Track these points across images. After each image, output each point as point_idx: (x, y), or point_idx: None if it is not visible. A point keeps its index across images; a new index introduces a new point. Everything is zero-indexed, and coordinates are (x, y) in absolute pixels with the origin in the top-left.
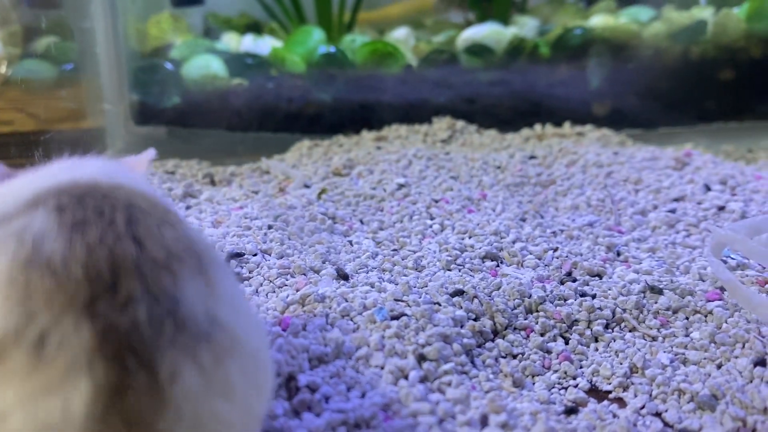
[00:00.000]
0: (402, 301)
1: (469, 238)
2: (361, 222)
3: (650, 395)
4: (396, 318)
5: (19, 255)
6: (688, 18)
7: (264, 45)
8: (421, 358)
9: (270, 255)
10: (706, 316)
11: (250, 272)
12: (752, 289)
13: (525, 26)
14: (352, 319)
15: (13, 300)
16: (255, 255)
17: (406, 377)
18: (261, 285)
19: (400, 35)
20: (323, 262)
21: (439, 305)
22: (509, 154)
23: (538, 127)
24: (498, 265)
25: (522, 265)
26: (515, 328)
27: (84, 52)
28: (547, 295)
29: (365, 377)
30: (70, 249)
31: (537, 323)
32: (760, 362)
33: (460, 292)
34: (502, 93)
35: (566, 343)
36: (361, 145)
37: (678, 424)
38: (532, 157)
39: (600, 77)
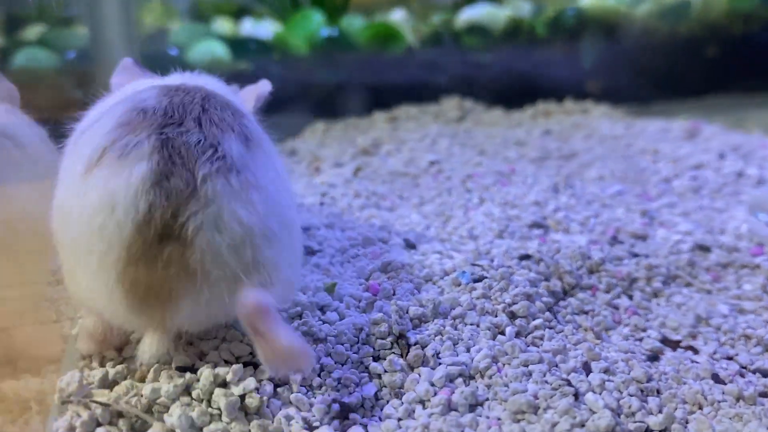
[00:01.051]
0: (477, 265)
1: (512, 209)
2: (401, 198)
3: (719, 342)
4: (478, 281)
5: (130, 106)
6: None
7: (264, 29)
8: (512, 316)
9: (333, 229)
10: (753, 270)
11: (320, 244)
12: None
13: (520, 7)
14: (435, 284)
15: (117, 126)
16: (319, 229)
17: (502, 333)
18: (333, 256)
19: (398, 17)
20: (389, 233)
21: (512, 268)
22: (525, 130)
23: (541, 104)
24: (546, 233)
25: (568, 231)
26: (582, 288)
27: (96, 39)
28: (606, 256)
29: (465, 334)
30: (157, 103)
31: (601, 282)
32: None
33: (527, 257)
34: (501, 72)
35: (630, 299)
36: (375, 125)
37: (751, 365)
38: (547, 132)
39: (593, 56)
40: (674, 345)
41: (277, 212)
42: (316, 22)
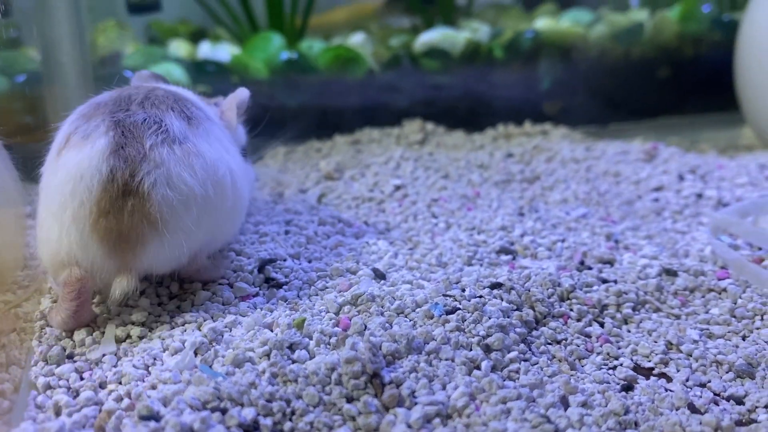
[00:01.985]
0: (449, 295)
1: (479, 234)
2: (366, 224)
3: (691, 369)
4: (451, 312)
5: (89, 102)
6: (626, 20)
7: (222, 52)
8: (487, 349)
9: (299, 259)
10: (720, 293)
11: (286, 276)
12: (755, 266)
13: (478, 30)
14: (407, 316)
15: (78, 118)
16: (285, 260)
17: (478, 368)
18: (301, 289)
19: (357, 40)
20: (357, 263)
21: (484, 298)
22: (488, 153)
23: (501, 127)
24: (514, 258)
25: (536, 257)
26: (554, 316)
27: (48, 61)
28: (576, 283)
29: (441, 370)
30: (108, 97)
31: (572, 310)
32: None
33: (498, 285)
34: (461, 95)
35: (601, 326)
36: (338, 148)
37: (724, 392)
38: (509, 155)
39: (550, 78)
40: (647, 373)
41: (213, 178)
42: (275, 45)
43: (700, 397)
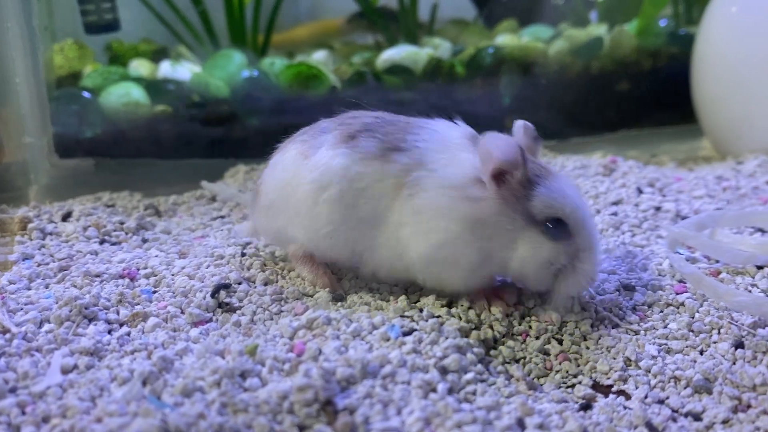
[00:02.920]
0: (406, 316)
1: None
2: None
3: (649, 385)
4: (408, 334)
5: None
6: (586, 35)
7: (183, 70)
8: (443, 371)
9: (255, 283)
10: (678, 308)
11: (240, 301)
12: (712, 280)
13: (440, 47)
14: (363, 339)
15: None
16: (240, 284)
17: (434, 390)
18: (255, 313)
19: (319, 57)
20: (312, 286)
21: (442, 317)
22: None
23: None
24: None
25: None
26: (513, 335)
27: (1, 81)
28: (535, 300)
29: (396, 394)
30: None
31: (531, 328)
32: (738, 345)
33: (453, 304)
34: (422, 111)
35: (560, 343)
36: None
37: (682, 408)
38: None
39: (511, 93)
40: (606, 390)
41: None
42: (236, 63)
43: (659, 414)
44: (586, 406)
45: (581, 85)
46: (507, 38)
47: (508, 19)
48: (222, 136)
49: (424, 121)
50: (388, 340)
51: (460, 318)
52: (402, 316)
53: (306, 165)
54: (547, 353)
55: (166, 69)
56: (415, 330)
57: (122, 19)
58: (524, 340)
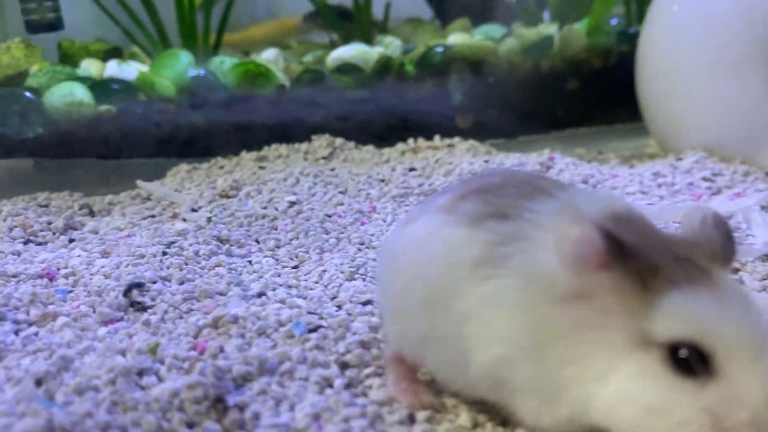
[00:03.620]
0: (316, 313)
1: (368, 248)
2: (257, 242)
3: None
4: (314, 330)
5: None
6: (536, 34)
7: (130, 70)
8: (344, 366)
9: (170, 282)
10: None
11: (152, 300)
12: None
13: (390, 45)
14: (269, 337)
15: None
16: (155, 283)
17: (331, 386)
18: (166, 312)
19: (269, 56)
20: (228, 284)
21: (353, 314)
22: (391, 167)
23: (411, 141)
24: None
25: None
26: None
27: None
28: None
29: (291, 390)
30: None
31: None
32: None
33: (370, 301)
34: (373, 110)
35: None
36: (242, 166)
37: None
38: (412, 169)
39: (461, 92)
40: None
41: None
42: (183, 63)
43: None
44: None
45: (531, 83)
46: (459, 37)
47: (461, 18)
48: (168, 136)
49: (565, 185)
50: (292, 337)
51: (373, 314)
52: (311, 313)
53: (401, 235)
54: None
55: (112, 69)
56: (322, 327)
57: (77, 19)
58: None
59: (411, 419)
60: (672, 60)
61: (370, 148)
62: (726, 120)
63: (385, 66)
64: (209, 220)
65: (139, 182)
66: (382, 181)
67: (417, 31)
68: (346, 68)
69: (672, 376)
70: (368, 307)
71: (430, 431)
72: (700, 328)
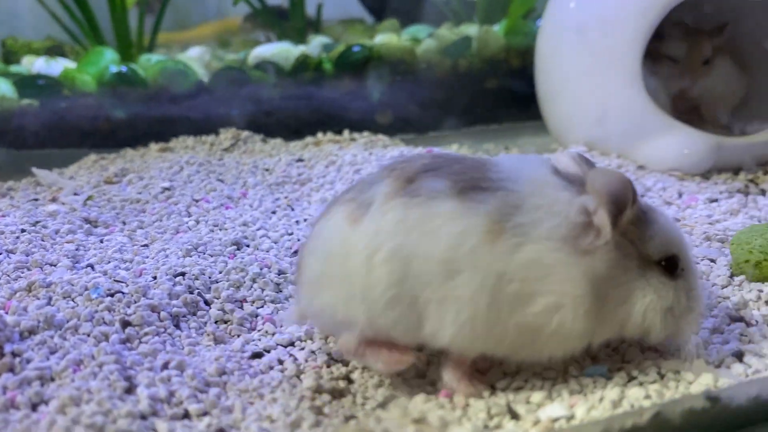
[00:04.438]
0: (121, 281)
1: (220, 230)
2: (124, 223)
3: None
4: (111, 295)
5: None
6: (456, 34)
7: (57, 66)
8: (126, 324)
9: (14, 254)
10: None
11: None
12: None
13: (310, 44)
14: (72, 299)
15: None
16: (1, 254)
17: (107, 340)
18: None
19: (194, 53)
20: (64, 257)
21: (159, 283)
22: (279, 158)
23: (320, 134)
24: (238, 249)
25: (258, 248)
26: (235, 300)
27: None
28: (261, 270)
29: (69, 343)
30: None
31: (252, 295)
32: None
33: (182, 274)
34: (291, 106)
35: (274, 304)
36: (147, 156)
37: None
38: (299, 160)
39: (380, 90)
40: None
41: None
42: (107, 59)
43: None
44: (257, 355)
45: (447, 82)
46: (386, 37)
47: (390, 18)
48: (86, 128)
49: (495, 159)
50: (90, 300)
51: (178, 285)
52: (117, 281)
53: (355, 232)
54: (256, 316)
55: (40, 65)
56: (121, 292)
57: (31, 18)
58: (242, 305)
59: (165, 366)
60: (558, 57)
61: (277, 141)
62: (604, 116)
63: (303, 64)
64: (85, 202)
65: (34, 169)
66: (267, 170)
67: (347, 31)
68: (266, 66)
69: (669, 281)
70: (179, 279)
71: (175, 376)
72: (675, 243)
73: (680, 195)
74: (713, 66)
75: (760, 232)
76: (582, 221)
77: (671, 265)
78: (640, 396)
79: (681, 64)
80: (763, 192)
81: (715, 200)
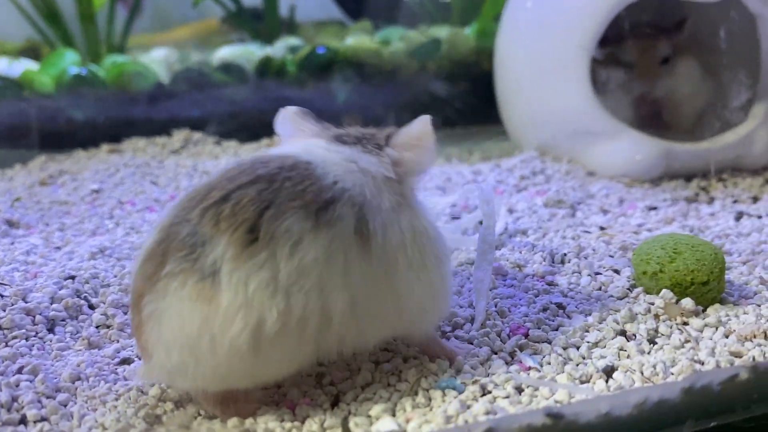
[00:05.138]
0: (6, 284)
1: (136, 233)
2: (47, 225)
3: None
4: None
5: None
6: (427, 36)
7: (19, 67)
8: None
9: None
10: None
11: None
12: None
13: (275, 46)
14: None
15: None
16: None
17: None
18: None
19: (159, 55)
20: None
21: (43, 287)
22: (222, 161)
23: (276, 137)
24: None
25: None
26: (120, 305)
27: None
28: None
29: None
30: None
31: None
32: None
33: (72, 277)
34: (252, 108)
35: None
36: (95, 158)
37: None
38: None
39: (345, 92)
40: None
41: None
42: (68, 61)
43: None
44: (125, 361)
45: (415, 84)
46: (356, 39)
47: (365, 20)
48: (41, 129)
49: (303, 150)
50: None
51: (66, 288)
52: (1, 284)
53: (216, 313)
54: None
55: (2, 65)
56: (1, 295)
57: (10, 19)
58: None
59: (20, 371)
60: (513, 61)
61: (231, 143)
62: (554, 121)
63: (266, 66)
64: (12, 203)
65: None
66: (205, 172)
67: (320, 32)
68: (228, 68)
69: None
70: (67, 282)
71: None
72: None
73: (621, 202)
74: (674, 65)
75: (662, 243)
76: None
77: None
78: (481, 411)
79: (636, 67)
80: (711, 200)
81: (655, 208)
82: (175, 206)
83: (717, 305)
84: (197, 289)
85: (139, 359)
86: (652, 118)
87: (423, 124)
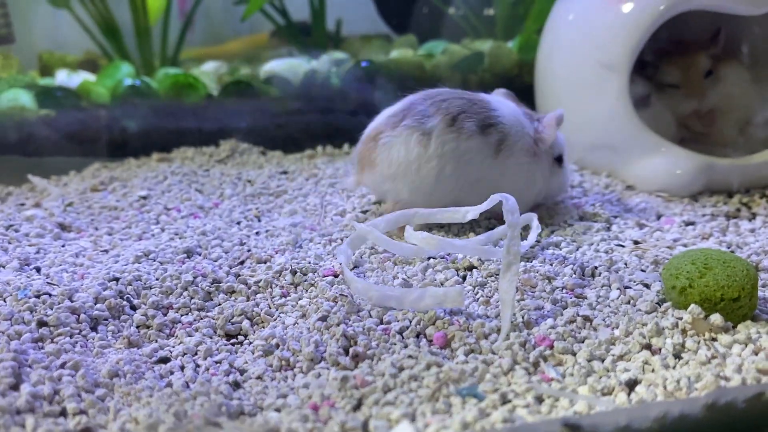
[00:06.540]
0: (53, 284)
1: (179, 238)
2: (96, 229)
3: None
4: (38, 296)
5: None
6: (471, 50)
7: (77, 79)
8: (42, 324)
9: None
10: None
11: None
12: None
13: (321, 59)
14: (4, 299)
15: None
16: None
17: (19, 338)
18: None
19: (210, 67)
20: (16, 259)
21: (90, 288)
22: (264, 169)
23: (319, 148)
24: (188, 257)
25: (206, 257)
26: (160, 306)
27: None
28: (195, 278)
29: None
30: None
31: (181, 298)
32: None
33: (116, 279)
34: (298, 119)
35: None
36: (145, 166)
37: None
38: (284, 172)
39: (388, 104)
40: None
41: None
42: (123, 73)
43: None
44: (164, 360)
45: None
46: (400, 52)
47: (410, 34)
48: (97, 138)
49: (493, 99)
50: (17, 300)
51: (109, 289)
52: (50, 283)
53: (427, 151)
54: (179, 322)
55: (62, 77)
56: (47, 293)
57: (73, 32)
58: (166, 312)
59: (75, 366)
60: (552, 76)
61: (276, 153)
62: (594, 135)
63: (311, 78)
64: (65, 208)
65: (29, 176)
66: (249, 181)
67: (366, 46)
68: (275, 80)
69: (559, 168)
70: (111, 284)
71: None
72: (560, 149)
73: (658, 217)
74: (719, 75)
75: (692, 258)
76: (533, 140)
77: (559, 160)
78: (499, 419)
79: (682, 87)
80: (753, 216)
81: (692, 223)
82: (409, 98)
83: (748, 322)
84: (419, 139)
85: (175, 358)
86: (699, 134)
87: (554, 115)
